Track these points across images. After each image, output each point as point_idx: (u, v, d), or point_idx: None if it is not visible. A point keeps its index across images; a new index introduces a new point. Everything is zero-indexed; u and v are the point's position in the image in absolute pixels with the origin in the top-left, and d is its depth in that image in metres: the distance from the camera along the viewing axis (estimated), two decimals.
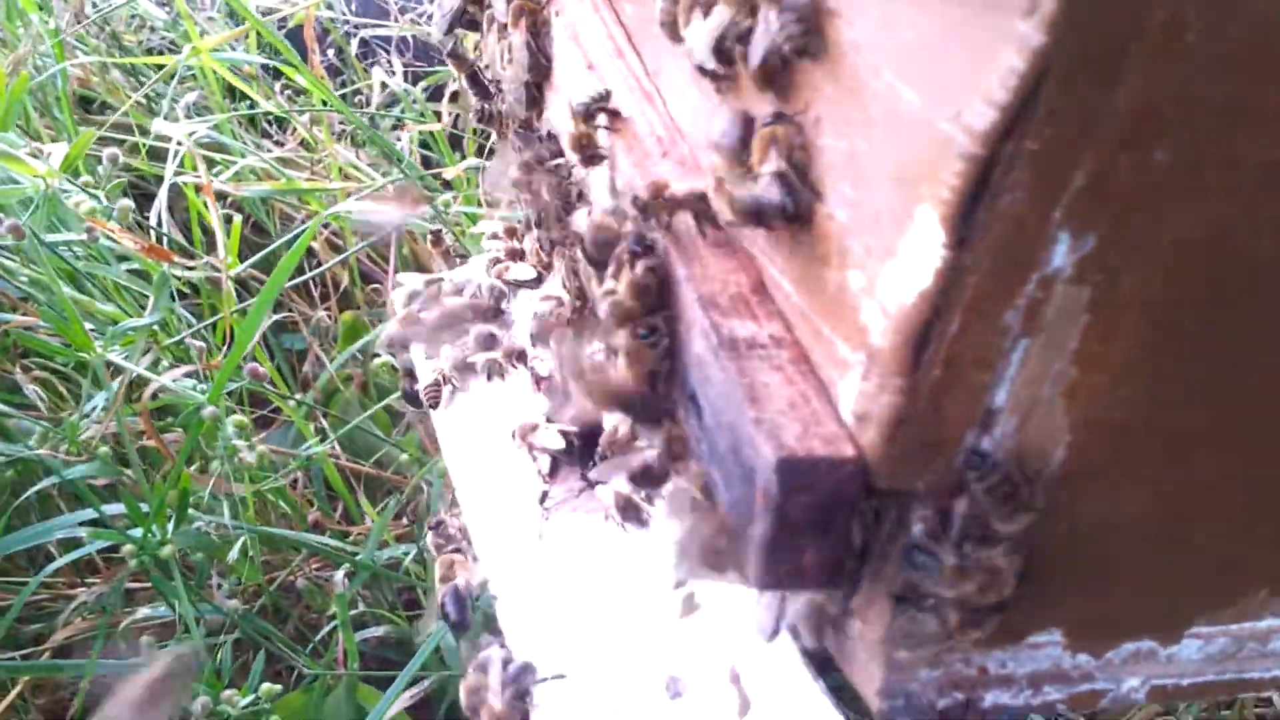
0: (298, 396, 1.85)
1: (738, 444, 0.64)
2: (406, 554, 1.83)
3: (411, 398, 1.24)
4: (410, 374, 1.24)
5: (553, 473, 1.02)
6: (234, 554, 1.53)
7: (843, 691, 0.77)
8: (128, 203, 1.50)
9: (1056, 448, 0.62)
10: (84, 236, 1.44)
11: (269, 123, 2.33)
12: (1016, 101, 0.50)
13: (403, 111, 2.20)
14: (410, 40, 2.55)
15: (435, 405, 1.15)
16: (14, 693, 1.56)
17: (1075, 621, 0.72)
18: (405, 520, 1.97)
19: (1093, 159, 0.52)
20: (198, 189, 1.78)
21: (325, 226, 2.15)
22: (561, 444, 1.02)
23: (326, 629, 1.79)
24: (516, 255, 1.21)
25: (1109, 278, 0.56)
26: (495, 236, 1.23)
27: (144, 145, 1.69)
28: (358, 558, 1.68)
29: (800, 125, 0.64)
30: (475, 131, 2.20)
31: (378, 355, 2.11)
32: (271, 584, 1.73)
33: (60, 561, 1.59)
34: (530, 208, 1.07)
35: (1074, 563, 0.69)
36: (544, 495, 1.00)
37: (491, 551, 0.99)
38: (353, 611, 1.75)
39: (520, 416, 1.08)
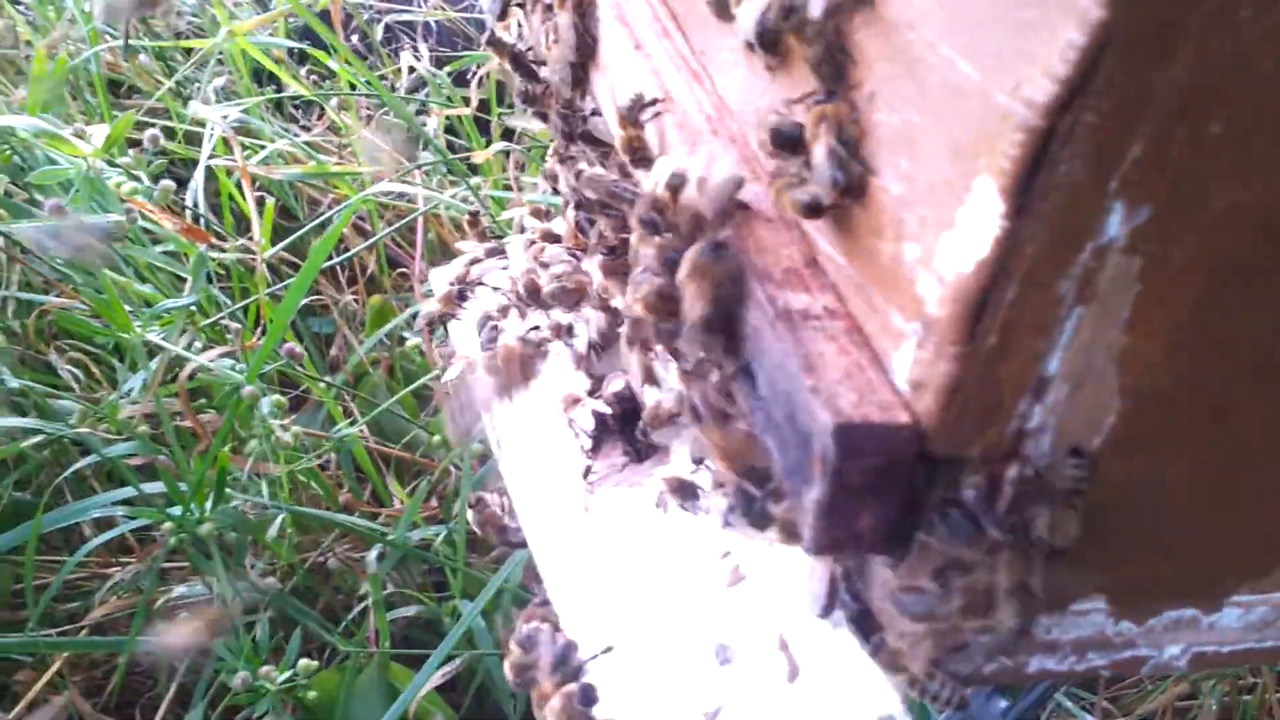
0: (328, 379, 1.87)
1: (794, 412, 0.66)
2: (436, 535, 1.85)
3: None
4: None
5: (595, 448, 1.04)
6: (272, 532, 1.55)
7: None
8: (169, 184, 1.52)
9: (1107, 415, 0.64)
10: (123, 218, 1.46)
11: (295, 107, 2.34)
12: (1076, 75, 0.52)
13: (428, 96, 2.22)
14: (434, 25, 2.56)
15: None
16: (52, 670, 1.58)
17: (1119, 589, 0.73)
18: (434, 502, 1.98)
19: (1149, 131, 0.54)
20: (229, 172, 1.80)
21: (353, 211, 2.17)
22: (592, 424, 1.04)
23: (357, 609, 1.81)
24: (551, 237, 1.23)
25: (1161, 247, 0.58)
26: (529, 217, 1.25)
27: (180, 129, 1.71)
28: (390, 538, 1.69)
29: (853, 101, 0.66)
30: (499, 116, 2.21)
31: (405, 339, 2.13)
32: (303, 564, 1.75)
33: (100, 539, 1.62)
34: (569, 191, 1.09)
35: (1118, 530, 0.70)
36: (587, 470, 1.02)
37: (536, 524, 1.01)
38: (383, 592, 1.77)
39: (562, 391, 1.10)
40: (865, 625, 0.80)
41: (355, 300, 2.17)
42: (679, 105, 0.83)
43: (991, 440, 0.63)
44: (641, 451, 1.00)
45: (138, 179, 1.48)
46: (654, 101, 0.84)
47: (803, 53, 0.69)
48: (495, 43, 1.06)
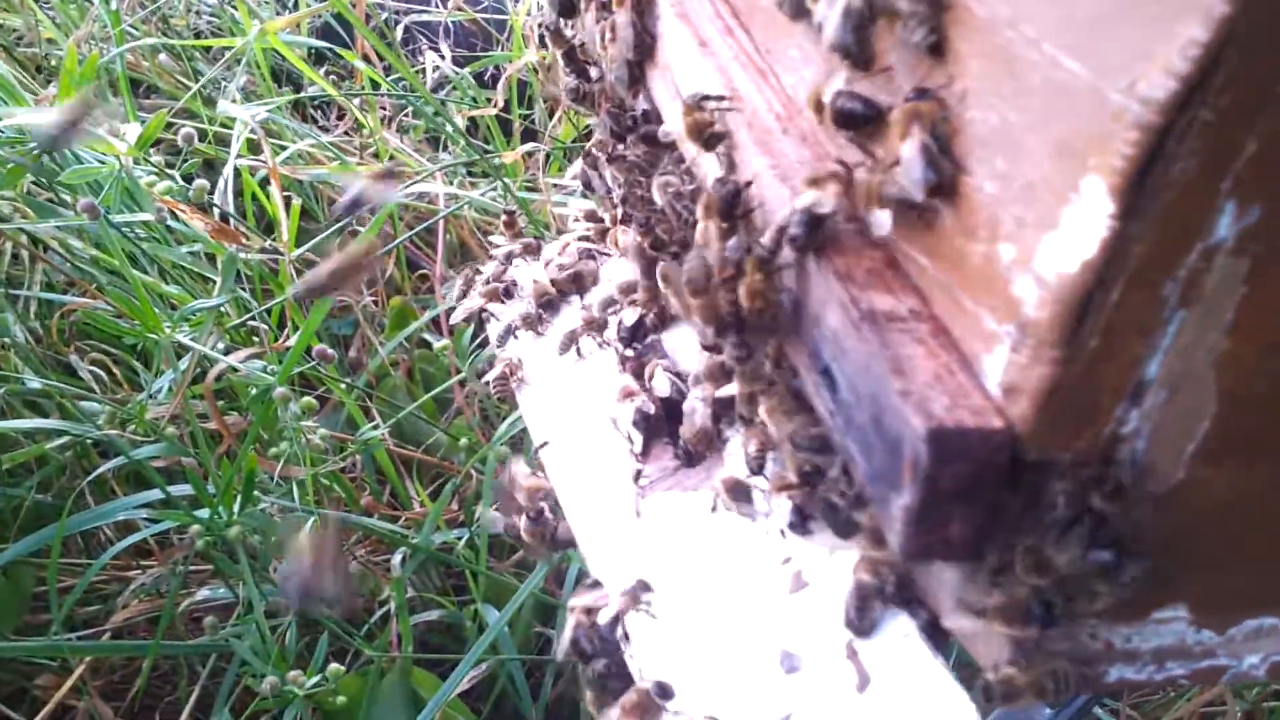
0: (349, 381, 1.85)
1: (880, 416, 0.64)
2: (459, 539, 1.83)
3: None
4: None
5: (645, 451, 1.02)
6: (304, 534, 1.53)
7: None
8: (203, 183, 1.50)
9: (1202, 420, 0.63)
10: (152, 217, 1.45)
11: (314, 108, 2.33)
12: (1196, 71, 0.51)
13: (450, 95, 2.20)
14: (451, 26, 2.55)
15: (503, 398, 1.15)
16: (75, 675, 1.57)
17: (1200, 598, 0.72)
18: (453, 505, 1.97)
19: (1265, 128, 0.52)
20: (252, 171, 1.78)
21: (371, 213, 2.15)
22: (636, 418, 1.03)
23: (379, 613, 1.79)
24: (605, 235, 1.22)
25: (1269, 250, 0.57)
26: (581, 219, 1.24)
27: (210, 128, 1.69)
28: (414, 541, 1.68)
29: (943, 100, 0.65)
30: (522, 117, 2.20)
31: (427, 343, 2.12)
32: None
33: (128, 540, 1.60)
34: (616, 189, 1.08)
35: (1201, 539, 0.69)
36: (638, 474, 1.01)
37: (587, 529, 0.99)
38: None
39: (607, 393, 1.09)
40: (936, 633, 0.78)
41: (375, 302, 2.15)
42: (748, 104, 0.82)
43: (1085, 445, 0.62)
44: (693, 456, 0.99)
45: (171, 178, 1.46)
46: (721, 98, 0.83)
47: (893, 49, 0.68)
48: (556, 33, 1.05)
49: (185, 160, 1.52)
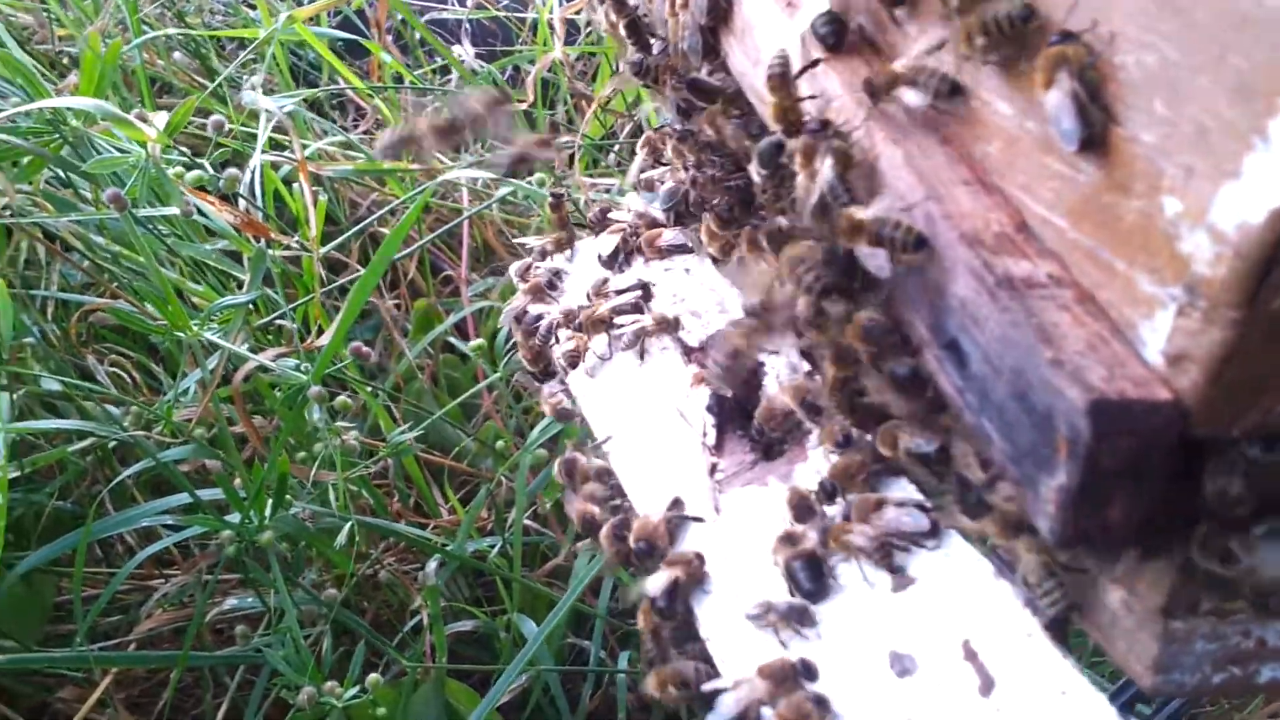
0: (375, 385, 1.79)
1: (1025, 389, 0.59)
2: (492, 547, 1.77)
3: (538, 361, 1.18)
4: (531, 333, 1.19)
5: (719, 444, 0.97)
6: (340, 541, 1.47)
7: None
8: (234, 172, 1.44)
9: None
10: (177, 211, 1.39)
11: (333, 107, 2.28)
12: None
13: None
14: (469, 25, 2.49)
15: (574, 367, 1.09)
16: (102, 686, 1.51)
17: None
18: (483, 513, 1.91)
19: None
20: (275, 167, 1.73)
21: (393, 214, 2.10)
22: (710, 403, 0.98)
23: (410, 623, 1.73)
24: (655, 224, 1.16)
25: None
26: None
27: (231, 126, 1.63)
28: (448, 549, 1.62)
29: (1089, 44, 0.59)
30: (545, 113, 2.15)
31: (452, 347, 2.06)
32: (352, 577, 1.67)
33: (155, 547, 1.54)
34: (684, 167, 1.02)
35: None
36: (713, 468, 0.95)
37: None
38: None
39: (672, 387, 1.03)
40: (1063, 632, 0.73)
41: (398, 305, 2.09)
42: (845, 64, 0.76)
43: (1257, 418, 0.56)
44: (772, 448, 0.93)
45: (200, 167, 1.40)
46: (815, 62, 0.77)
47: None
48: (618, 2, 0.99)
49: (216, 149, 1.46)
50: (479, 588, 1.93)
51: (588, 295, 1.13)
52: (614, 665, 1.77)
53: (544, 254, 1.27)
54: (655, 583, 0.85)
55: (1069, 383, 0.55)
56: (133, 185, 1.32)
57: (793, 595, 0.81)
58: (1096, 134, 0.58)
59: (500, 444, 1.68)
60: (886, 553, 0.80)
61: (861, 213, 0.69)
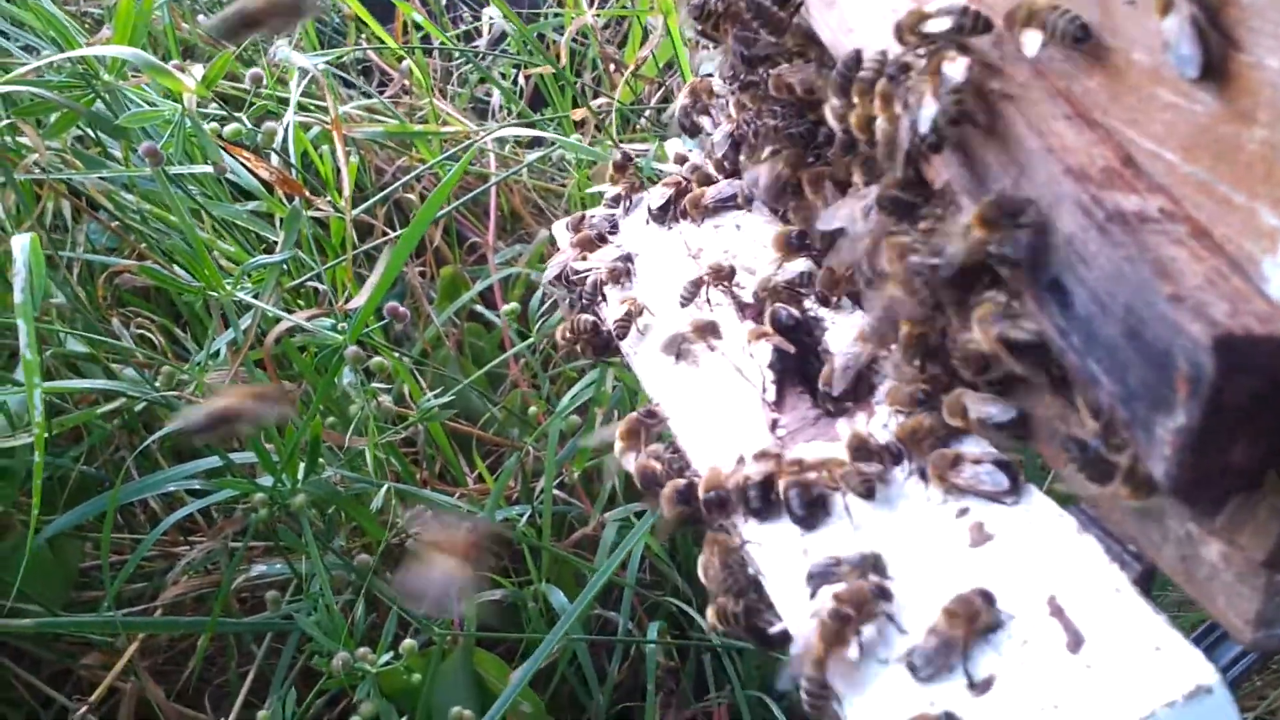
0: (402, 351, 1.77)
1: (1139, 326, 0.56)
2: (520, 515, 1.75)
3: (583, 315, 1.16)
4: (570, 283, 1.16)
5: (779, 400, 0.94)
6: (376, 504, 1.44)
7: None
8: (273, 125, 1.41)
9: None
10: (210, 169, 1.36)
11: (358, 73, 2.25)
12: None
13: (505, 52, 2.12)
14: None
15: (624, 337, 1.06)
16: (128, 653, 1.48)
17: None
18: (510, 483, 1.89)
19: None
20: (305, 128, 1.70)
21: (419, 180, 2.07)
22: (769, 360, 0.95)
23: None
24: (705, 180, 1.13)
25: None
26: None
27: (270, 81, 1.61)
28: (479, 517, 1.59)
29: None
30: (574, 80, 2.12)
31: (477, 314, 2.04)
32: (379, 543, 1.65)
33: (184, 511, 1.51)
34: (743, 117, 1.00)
35: None
36: (774, 423, 0.92)
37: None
38: None
39: (728, 344, 1.00)
40: (1151, 586, 0.70)
41: (423, 273, 2.07)
42: None
43: None
44: (837, 405, 0.90)
45: (239, 120, 1.38)
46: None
47: None
48: None
49: (249, 106, 1.43)
50: (505, 558, 1.91)
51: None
52: (642, 636, 1.75)
53: (616, 201, 1.23)
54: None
55: (1190, 318, 0.53)
56: (167, 140, 1.29)
57: None
58: (1216, 60, 0.55)
59: (532, 410, 1.66)
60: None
61: None
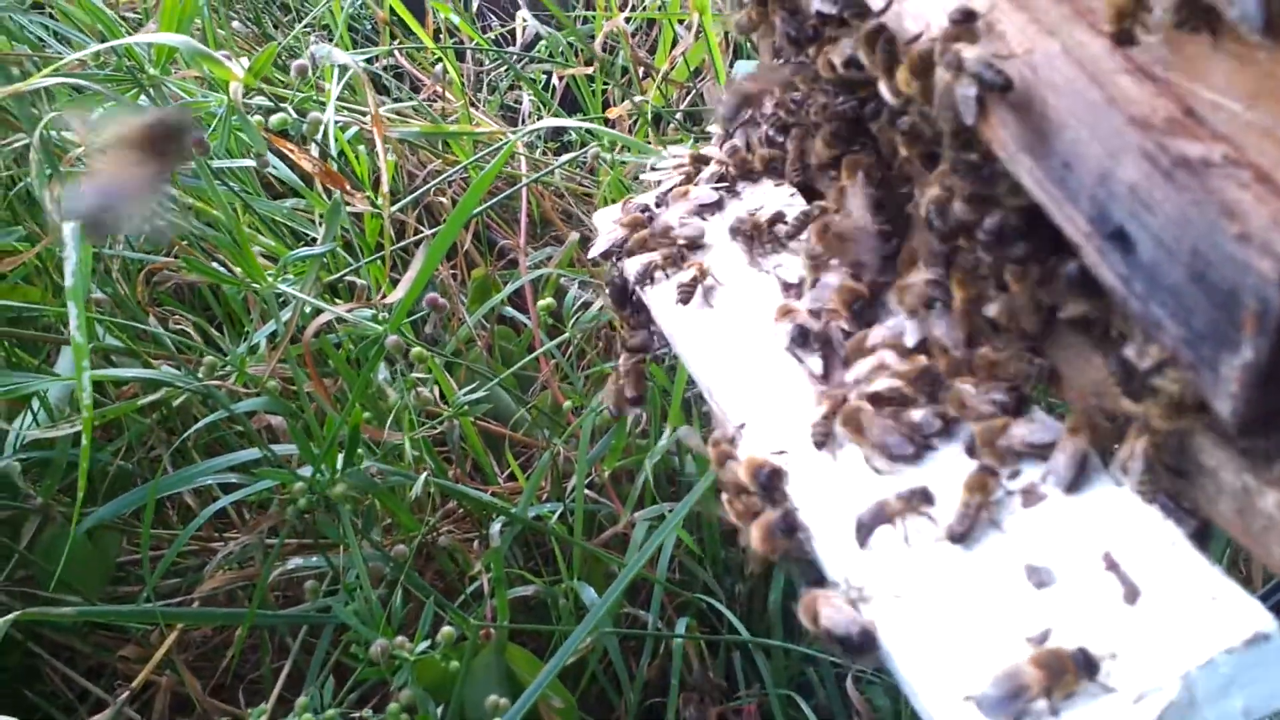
0: (435, 350, 1.78)
1: (1205, 268, 0.57)
2: (552, 513, 1.76)
3: (618, 294, 1.16)
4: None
5: (826, 375, 0.94)
6: (416, 492, 1.45)
7: None
8: (318, 115, 1.43)
9: None
10: (253, 163, 1.38)
11: (392, 77, 2.27)
12: None
13: (536, 57, 2.14)
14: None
15: (687, 301, 1.06)
16: (166, 644, 1.49)
17: None
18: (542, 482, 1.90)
19: None
20: (342, 128, 1.72)
21: (450, 184, 2.09)
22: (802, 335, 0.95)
23: (471, 588, 1.72)
24: (742, 166, 1.14)
25: None
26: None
27: (310, 83, 1.62)
28: (513, 512, 1.60)
29: None
30: (606, 83, 2.14)
31: (504, 319, 2.05)
32: (415, 538, 1.66)
33: (224, 501, 1.53)
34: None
35: None
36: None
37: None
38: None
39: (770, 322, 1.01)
40: (1206, 539, 0.71)
41: (453, 275, 2.08)
42: None
43: None
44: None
45: (285, 110, 1.39)
46: None
47: None
48: None
49: (297, 97, 1.45)
50: (536, 557, 1.92)
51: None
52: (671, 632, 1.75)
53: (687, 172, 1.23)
54: None
55: (1259, 255, 0.54)
56: (213, 131, 1.31)
57: None
58: (1277, 14, 0.56)
59: (566, 405, 1.67)
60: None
61: None
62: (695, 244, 1.10)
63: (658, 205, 1.16)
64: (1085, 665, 0.64)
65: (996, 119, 0.71)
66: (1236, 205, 0.56)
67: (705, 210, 1.15)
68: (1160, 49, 0.65)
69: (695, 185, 1.18)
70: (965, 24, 0.70)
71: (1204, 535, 0.71)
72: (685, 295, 1.03)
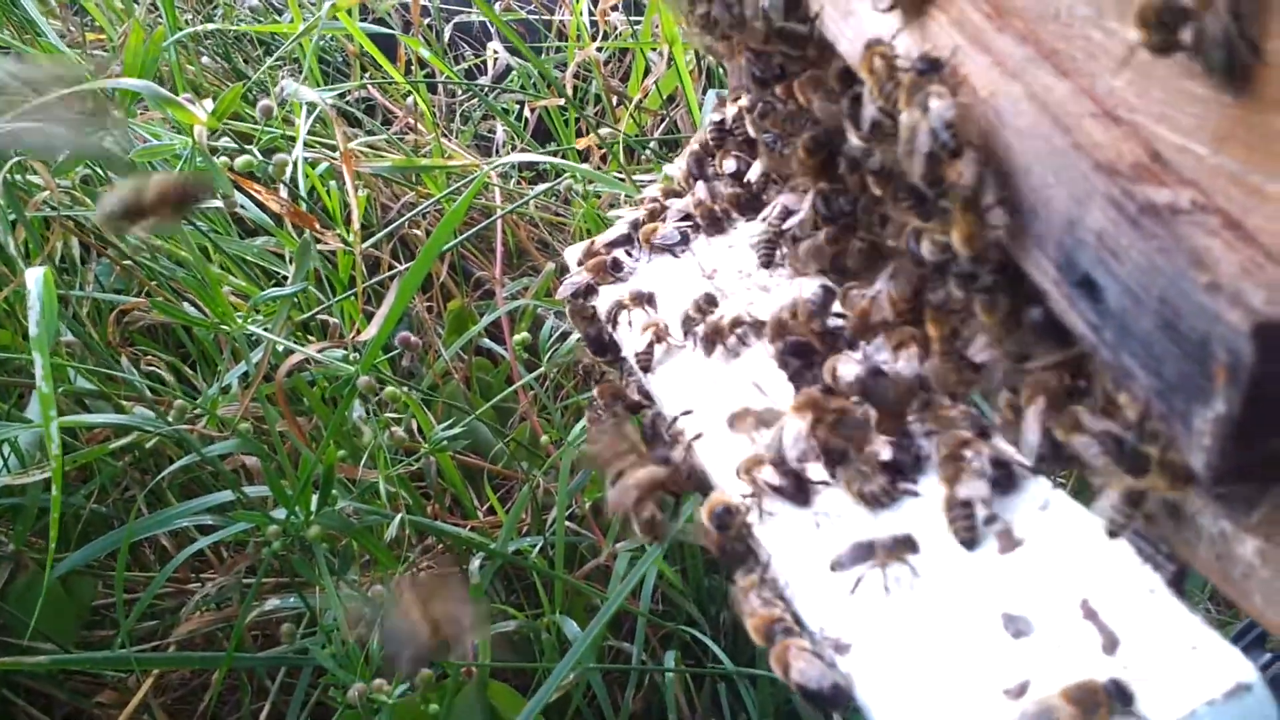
0: (411, 384, 1.77)
1: (1174, 318, 0.56)
2: (532, 547, 1.74)
3: (595, 343, 1.15)
4: (592, 319, 1.16)
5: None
6: (390, 535, 1.44)
7: None
8: (284, 157, 1.42)
9: None
10: (220, 204, 1.37)
11: (362, 110, 2.26)
12: None
13: (514, 86, 2.13)
14: (493, 29, 2.48)
15: (647, 369, 1.06)
16: (144, 689, 1.47)
17: None
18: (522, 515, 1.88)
19: None
20: (311, 164, 1.70)
21: (425, 216, 2.08)
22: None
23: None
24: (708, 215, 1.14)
25: None
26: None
27: (278, 118, 1.61)
28: (492, 548, 1.59)
29: None
30: (579, 113, 2.13)
31: (484, 350, 2.04)
32: (393, 576, 1.64)
33: (198, 545, 1.51)
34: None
35: None
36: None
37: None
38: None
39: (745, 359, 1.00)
40: (1184, 584, 0.70)
41: (429, 308, 2.07)
42: (950, 2, 0.74)
43: None
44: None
45: (250, 152, 1.38)
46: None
47: None
48: None
49: (262, 138, 1.44)
50: (518, 591, 1.91)
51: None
52: (656, 665, 1.74)
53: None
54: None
55: (1228, 306, 0.53)
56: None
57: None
58: (1244, 58, 0.55)
59: (544, 440, 1.65)
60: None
61: None
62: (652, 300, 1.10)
63: (625, 243, 1.16)
64: (1119, 696, 0.63)
65: (960, 163, 0.70)
66: (1205, 253, 0.55)
67: (672, 249, 1.15)
68: (1129, 89, 0.64)
69: (662, 222, 1.17)
70: (931, 73, 0.69)
71: (1182, 580, 0.70)
72: (644, 363, 1.02)
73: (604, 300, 1.14)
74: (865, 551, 0.77)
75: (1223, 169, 0.58)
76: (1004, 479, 0.78)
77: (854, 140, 0.80)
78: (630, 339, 1.09)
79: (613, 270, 1.14)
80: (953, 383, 0.81)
